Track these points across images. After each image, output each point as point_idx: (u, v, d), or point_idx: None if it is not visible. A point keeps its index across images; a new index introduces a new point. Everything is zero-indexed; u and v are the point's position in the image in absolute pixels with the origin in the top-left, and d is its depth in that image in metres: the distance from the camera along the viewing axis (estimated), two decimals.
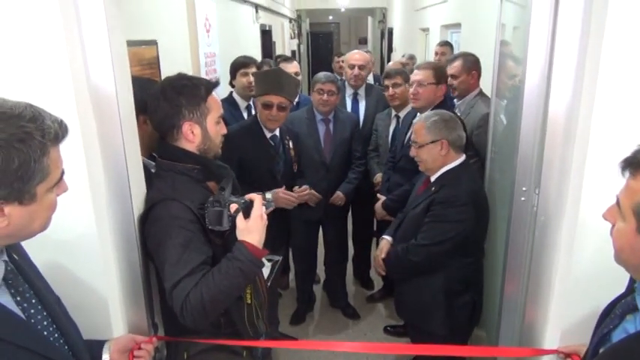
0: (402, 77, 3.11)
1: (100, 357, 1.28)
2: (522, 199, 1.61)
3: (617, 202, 0.98)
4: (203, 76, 3.90)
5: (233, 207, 1.41)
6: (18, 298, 0.98)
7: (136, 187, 1.48)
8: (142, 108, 1.55)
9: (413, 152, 2.22)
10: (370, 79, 4.88)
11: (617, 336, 1.04)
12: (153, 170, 1.61)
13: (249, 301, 1.56)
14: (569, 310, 1.46)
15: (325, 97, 3.01)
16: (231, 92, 3.46)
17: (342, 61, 3.83)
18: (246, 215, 1.41)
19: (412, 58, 5.65)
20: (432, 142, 2.12)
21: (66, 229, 1.31)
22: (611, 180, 1.01)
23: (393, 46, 10.61)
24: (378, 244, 2.50)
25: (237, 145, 2.47)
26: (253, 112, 3.24)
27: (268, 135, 2.61)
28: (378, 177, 3.20)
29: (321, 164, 3.09)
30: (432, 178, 2.19)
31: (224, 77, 3.65)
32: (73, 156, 1.25)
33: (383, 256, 2.32)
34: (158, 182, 1.53)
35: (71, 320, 1.15)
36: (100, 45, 1.33)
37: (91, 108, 1.34)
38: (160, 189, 1.50)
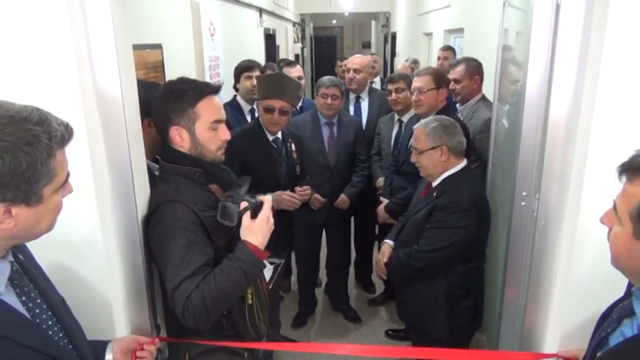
0: (405, 82, 3.12)
1: (104, 357, 1.29)
2: (523, 203, 1.62)
3: (614, 207, 0.99)
4: (207, 79, 3.93)
5: (243, 204, 1.43)
6: (23, 298, 0.99)
7: (140, 190, 1.50)
8: (146, 111, 1.57)
9: (413, 158, 2.23)
10: (377, 82, 4.91)
11: (615, 340, 1.05)
12: (156, 173, 1.63)
13: (250, 302, 1.57)
14: (568, 315, 1.46)
15: (329, 101, 3.03)
16: (235, 96, 3.48)
17: (345, 66, 3.85)
18: (254, 215, 1.43)
19: (415, 62, 5.66)
20: (432, 148, 2.12)
21: (71, 231, 1.33)
22: (611, 185, 1.02)
23: (397, 50, 10.62)
24: (379, 247, 2.50)
25: (240, 147, 2.49)
26: (257, 115, 3.26)
27: (271, 138, 2.63)
28: (381, 181, 3.21)
29: (325, 168, 3.10)
30: (434, 184, 2.19)
31: (228, 81, 3.66)
32: (79, 158, 1.27)
33: (385, 260, 2.32)
34: (162, 185, 1.55)
35: (75, 320, 1.16)
36: (106, 48, 1.34)
37: (97, 111, 1.36)
38: (164, 191, 1.51)
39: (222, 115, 1.57)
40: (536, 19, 1.45)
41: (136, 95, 1.50)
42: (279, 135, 2.67)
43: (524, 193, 1.61)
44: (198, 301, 1.35)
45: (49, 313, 1.05)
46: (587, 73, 1.33)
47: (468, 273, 2.16)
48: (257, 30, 6.52)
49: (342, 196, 3.15)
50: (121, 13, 1.39)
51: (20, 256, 1.04)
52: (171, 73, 3.01)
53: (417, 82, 2.80)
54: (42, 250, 1.14)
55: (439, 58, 4.66)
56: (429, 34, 7.28)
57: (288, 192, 2.55)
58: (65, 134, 0.94)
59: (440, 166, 2.15)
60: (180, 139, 1.52)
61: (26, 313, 0.99)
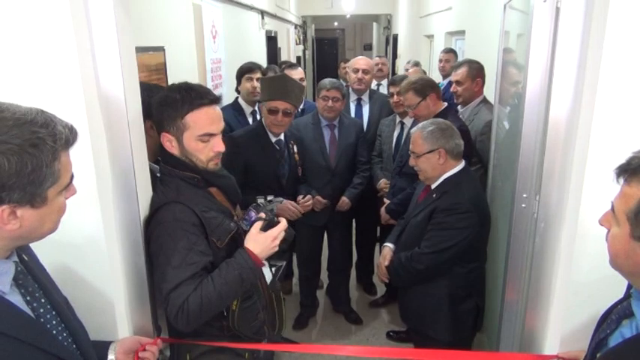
0: None
1: (106, 357, 1.30)
2: (523, 205, 1.62)
3: (612, 208, 1.00)
4: (209, 81, 3.94)
5: (261, 215, 1.52)
6: (28, 298, 1.00)
7: (142, 192, 1.50)
8: (149, 113, 1.57)
9: (412, 162, 2.24)
10: (384, 84, 4.92)
11: (614, 341, 1.05)
12: (158, 175, 1.64)
13: (234, 308, 1.58)
14: (569, 316, 1.46)
15: (330, 103, 3.04)
16: (237, 98, 3.50)
17: (349, 67, 3.87)
18: (265, 229, 1.49)
19: (417, 64, 5.67)
20: (430, 151, 2.13)
21: (74, 232, 1.34)
22: (611, 187, 1.02)
23: (398, 52, 10.63)
24: (381, 249, 2.50)
25: (243, 149, 2.50)
26: (258, 117, 3.28)
27: (273, 139, 2.64)
28: (382, 182, 3.22)
29: (326, 169, 3.11)
30: (433, 186, 2.20)
31: (230, 83, 3.68)
32: (82, 160, 1.28)
33: (386, 263, 2.33)
34: (163, 186, 1.56)
35: (79, 321, 1.17)
36: (110, 50, 1.35)
37: (100, 113, 1.37)
38: (165, 193, 1.52)
39: (216, 128, 1.50)
40: (536, 22, 1.45)
41: (138, 97, 1.51)
42: (282, 137, 2.68)
43: (525, 195, 1.61)
44: (195, 304, 1.36)
45: (53, 312, 1.05)
46: (586, 75, 1.33)
47: (470, 274, 2.16)
48: (259, 32, 6.54)
49: (343, 198, 3.16)
50: (124, 15, 1.40)
51: (25, 257, 1.05)
52: (174, 76, 3.02)
53: (405, 101, 2.88)
54: (46, 251, 1.15)
55: (440, 61, 4.68)
56: (430, 37, 7.29)
57: (292, 202, 2.59)
58: (70, 137, 0.95)
59: (438, 169, 2.15)
60: (169, 145, 1.52)
61: (31, 313, 1.00)
